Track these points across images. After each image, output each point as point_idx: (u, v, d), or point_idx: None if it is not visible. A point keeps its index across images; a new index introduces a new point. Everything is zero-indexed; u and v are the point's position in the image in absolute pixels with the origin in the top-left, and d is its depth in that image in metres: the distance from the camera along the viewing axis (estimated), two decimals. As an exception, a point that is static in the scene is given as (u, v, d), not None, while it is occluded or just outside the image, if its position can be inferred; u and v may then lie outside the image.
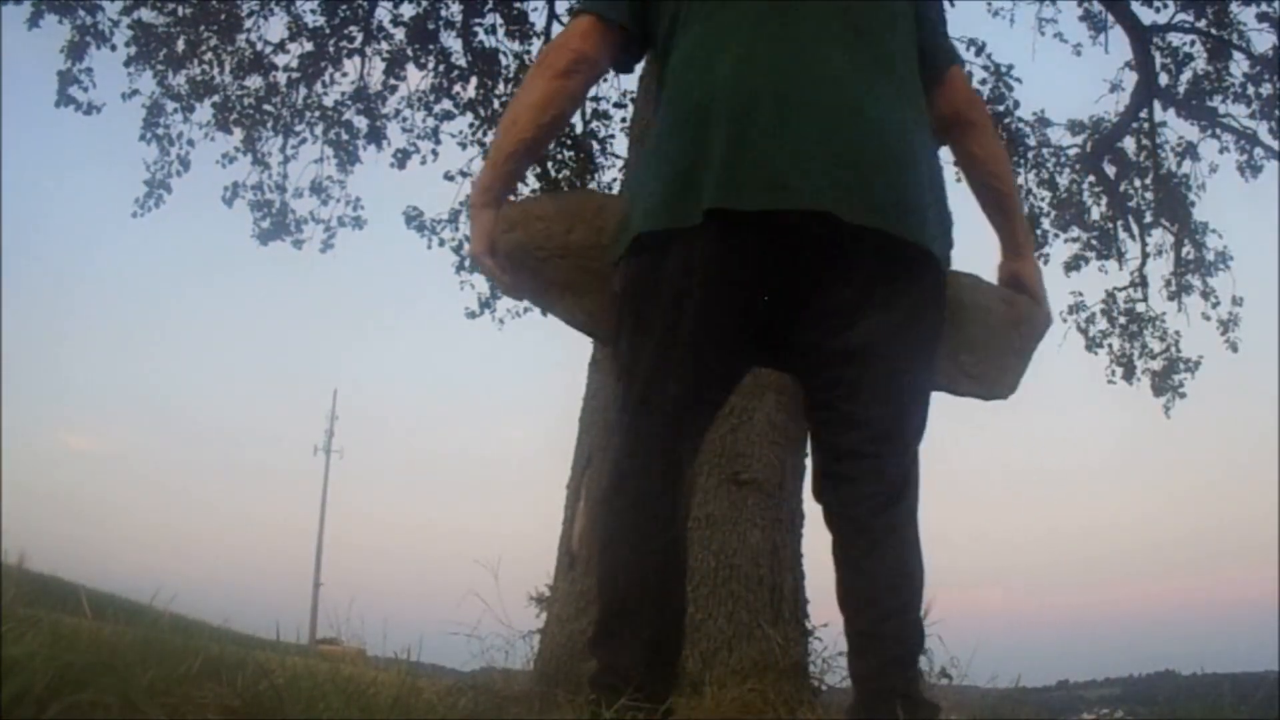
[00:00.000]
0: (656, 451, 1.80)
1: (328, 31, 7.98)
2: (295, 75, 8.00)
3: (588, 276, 1.90)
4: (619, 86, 8.28)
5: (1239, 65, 8.65)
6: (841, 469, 1.81)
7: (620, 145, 7.91)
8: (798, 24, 1.80)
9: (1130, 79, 8.90)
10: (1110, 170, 9.38)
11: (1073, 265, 9.57)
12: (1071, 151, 9.45)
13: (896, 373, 1.78)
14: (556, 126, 2.02)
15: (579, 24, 1.92)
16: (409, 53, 8.10)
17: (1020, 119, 9.17)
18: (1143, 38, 8.55)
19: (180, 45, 7.67)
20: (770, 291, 1.76)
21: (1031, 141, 9.33)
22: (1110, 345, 9.61)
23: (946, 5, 5.86)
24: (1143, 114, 9.05)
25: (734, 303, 1.76)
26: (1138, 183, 9.54)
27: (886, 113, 1.79)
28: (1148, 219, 9.52)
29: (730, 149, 1.70)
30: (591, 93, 8.18)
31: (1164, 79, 8.83)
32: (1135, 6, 8.48)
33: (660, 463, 1.80)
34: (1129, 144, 9.41)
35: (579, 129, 8.06)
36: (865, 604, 1.76)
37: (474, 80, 8.17)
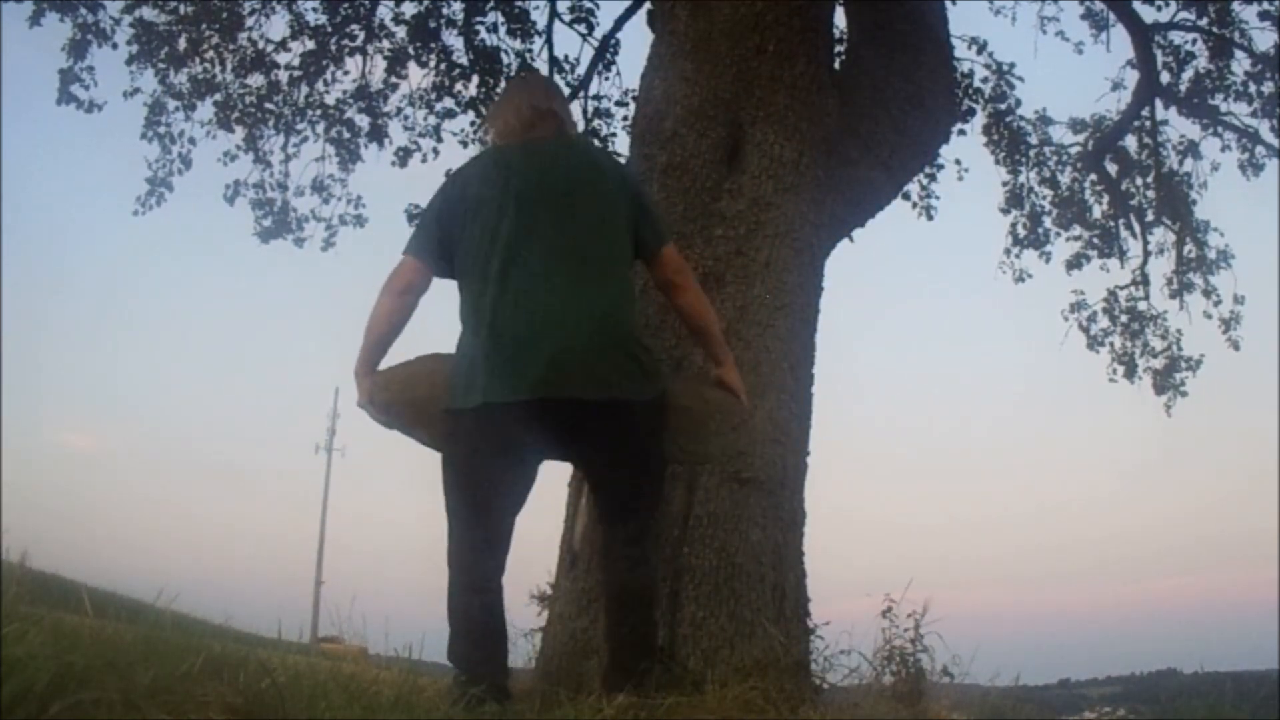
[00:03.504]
0: (471, 541, 2.77)
1: (329, 30, 7.97)
2: (297, 73, 7.99)
3: (428, 417, 2.89)
4: (620, 85, 8.30)
5: (1240, 63, 8.66)
6: (603, 542, 2.94)
7: (622, 143, 7.90)
8: (523, 264, 2.77)
9: (1132, 77, 8.91)
10: (1112, 168, 9.37)
11: (1074, 264, 9.59)
12: (1073, 150, 9.47)
13: (615, 481, 2.89)
14: (400, 327, 3.00)
15: (407, 262, 2.99)
16: (410, 51, 8.09)
17: (1022, 117, 9.19)
18: (1144, 36, 8.53)
19: (182, 43, 7.67)
20: (521, 438, 2.74)
21: (1033, 140, 9.34)
22: (1112, 344, 9.62)
23: (949, 5, 5.90)
24: (1144, 112, 9.05)
25: (506, 448, 2.76)
26: (1139, 181, 9.55)
27: (589, 314, 2.75)
28: (1149, 217, 9.52)
29: (479, 363, 2.73)
30: (594, 90, 8.34)
31: (1165, 77, 8.82)
32: (1137, 5, 8.48)
33: (473, 550, 2.76)
34: (1130, 142, 9.42)
35: (581, 128, 8.05)
36: (611, 629, 2.86)
37: (475, 78, 8.16)
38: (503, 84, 8.14)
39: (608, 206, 2.91)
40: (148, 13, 7.52)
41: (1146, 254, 9.51)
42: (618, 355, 2.77)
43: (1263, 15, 8.35)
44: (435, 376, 2.90)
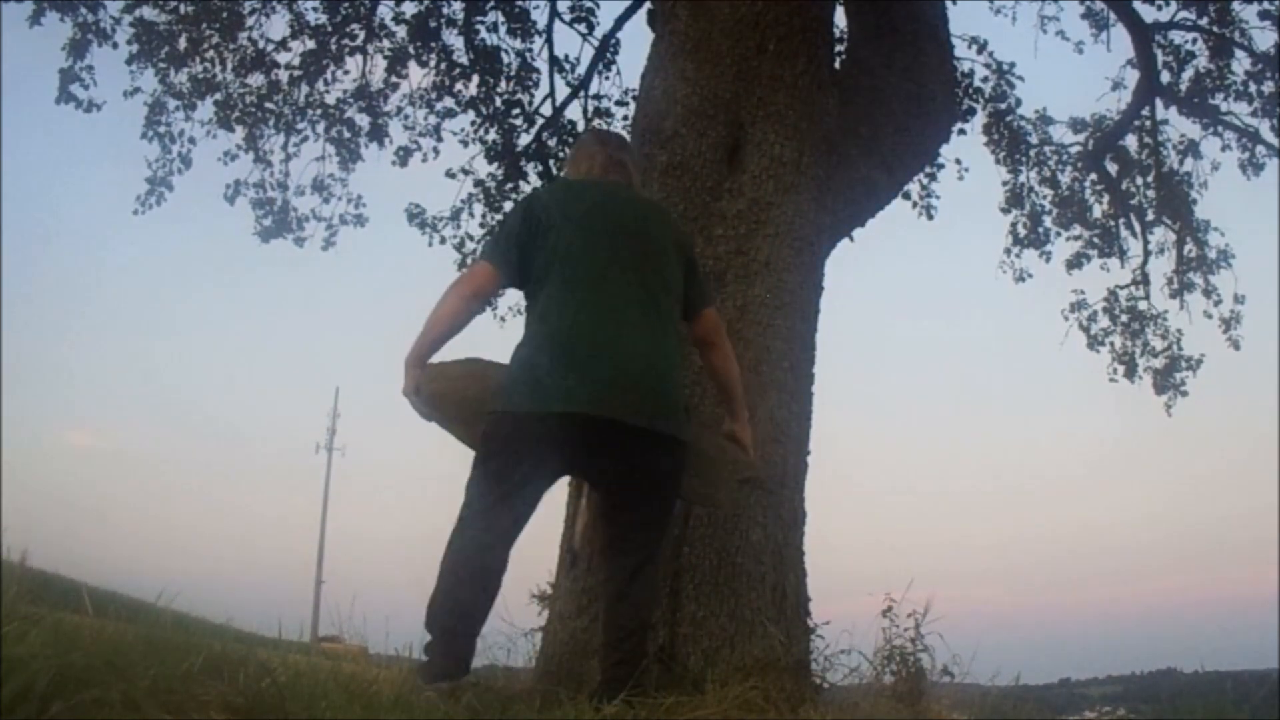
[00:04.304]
0: (483, 537, 2.83)
1: (330, 29, 7.97)
2: (297, 73, 7.99)
3: (472, 415, 2.97)
4: (621, 85, 8.30)
5: (1241, 63, 8.65)
6: (609, 553, 3.04)
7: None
8: (607, 292, 2.94)
9: (1132, 77, 8.91)
10: (1112, 168, 9.37)
11: (1074, 263, 9.59)
12: (1073, 149, 9.46)
13: (637, 504, 2.97)
14: (461, 327, 3.06)
15: (482, 267, 3.09)
16: (411, 50, 8.10)
17: (1022, 117, 9.18)
18: (1144, 35, 8.53)
19: (182, 43, 7.66)
20: (571, 451, 2.86)
21: (1033, 139, 9.34)
22: (1112, 343, 9.62)
23: (949, 4, 5.90)
24: (1144, 112, 9.04)
25: (547, 456, 2.85)
26: (1139, 180, 9.54)
27: (653, 348, 2.93)
28: (1149, 217, 9.52)
29: (552, 372, 2.83)
30: (594, 90, 8.33)
31: (1166, 77, 8.81)
32: (1137, 4, 8.47)
33: (481, 540, 2.83)
34: (1131, 142, 9.41)
35: (580, 127, 8.06)
36: (608, 629, 2.93)
37: (475, 78, 8.17)
38: (503, 84, 8.17)
39: (668, 259, 3.09)
40: (148, 12, 7.53)
41: (1146, 254, 9.52)
42: (670, 393, 2.95)
43: (1263, 15, 8.36)
44: (485, 380, 3.02)
